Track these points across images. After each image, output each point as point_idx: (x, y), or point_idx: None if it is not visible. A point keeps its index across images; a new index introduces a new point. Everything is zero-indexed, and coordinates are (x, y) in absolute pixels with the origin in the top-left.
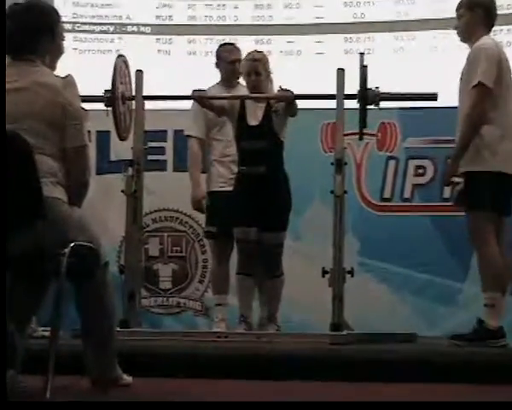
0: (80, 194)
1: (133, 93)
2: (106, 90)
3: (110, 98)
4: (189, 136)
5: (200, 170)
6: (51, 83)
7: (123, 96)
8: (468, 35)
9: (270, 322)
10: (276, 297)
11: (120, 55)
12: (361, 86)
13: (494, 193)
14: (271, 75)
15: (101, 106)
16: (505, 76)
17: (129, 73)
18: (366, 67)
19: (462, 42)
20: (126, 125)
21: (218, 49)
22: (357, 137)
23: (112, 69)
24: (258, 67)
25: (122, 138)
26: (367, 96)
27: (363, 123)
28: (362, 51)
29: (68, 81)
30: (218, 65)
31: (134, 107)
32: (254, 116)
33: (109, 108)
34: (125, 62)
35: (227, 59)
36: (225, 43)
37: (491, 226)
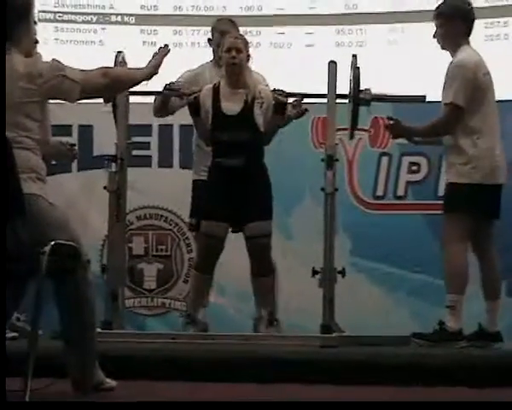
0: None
1: None
2: None
3: None
4: None
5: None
6: (24, 71)
7: None
8: (447, 44)
9: (270, 325)
10: (270, 297)
11: (120, 52)
12: (354, 88)
13: (474, 201)
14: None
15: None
16: (483, 92)
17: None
18: (359, 68)
19: (442, 49)
20: None
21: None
22: (348, 132)
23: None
24: (240, 44)
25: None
26: (359, 98)
27: (354, 123)
28: (354, 54)
29: (36, 58)
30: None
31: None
32: (232, 104)
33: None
34: (124, 59)
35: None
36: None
37: (461, 229)
